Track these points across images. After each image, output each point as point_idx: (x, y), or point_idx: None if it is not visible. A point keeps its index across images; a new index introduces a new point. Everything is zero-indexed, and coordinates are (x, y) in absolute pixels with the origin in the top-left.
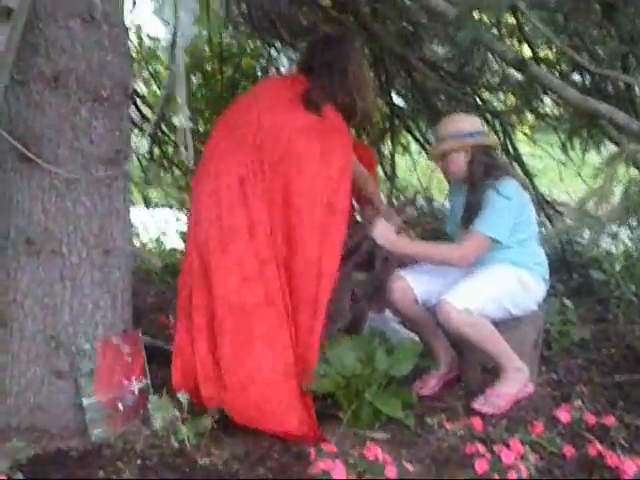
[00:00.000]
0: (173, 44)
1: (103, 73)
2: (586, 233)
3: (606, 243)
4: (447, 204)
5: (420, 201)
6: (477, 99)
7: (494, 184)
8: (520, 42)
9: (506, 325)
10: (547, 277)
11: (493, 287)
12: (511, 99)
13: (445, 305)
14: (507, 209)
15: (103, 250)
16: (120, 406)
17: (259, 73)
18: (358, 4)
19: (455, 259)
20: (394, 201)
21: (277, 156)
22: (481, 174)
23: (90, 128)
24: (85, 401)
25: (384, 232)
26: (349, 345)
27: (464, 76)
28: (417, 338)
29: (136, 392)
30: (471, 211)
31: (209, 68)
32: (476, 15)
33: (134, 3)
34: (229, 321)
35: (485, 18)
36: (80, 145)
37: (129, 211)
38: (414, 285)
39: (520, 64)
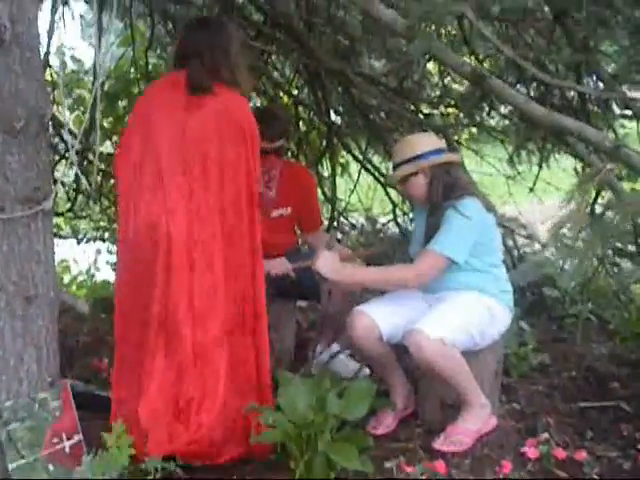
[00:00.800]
0: (94, 67)
1: (15, 102)
2: (563, 263)
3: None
4: (391, 225)
5: (362, 222)
6: (419, 114)
7: (453, 203)
8: (465, 54)
9: (466, 356)
10: (512, 305)
11: (463, 316)
12: (453, 113)
13: (417, 334)
14: (466, 228)
15: (24, 298)
16: (50, 467)
17: None
18: (291, 19)
19: (410, 279)
20: (335, 223)
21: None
22: (440, 195)
23: (3, 164)
24: (11, 466)
25: (328, 263)
26: (299, 389)
27: (404, 91)
28: (367, 370)
29: (67, 450)
30: (431, 233)
31: (136, 91)
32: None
33: (57, 25)
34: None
35: (432, 29)
36: None
37: (53, 252)
38: (379, 321)
39: (478, 77)
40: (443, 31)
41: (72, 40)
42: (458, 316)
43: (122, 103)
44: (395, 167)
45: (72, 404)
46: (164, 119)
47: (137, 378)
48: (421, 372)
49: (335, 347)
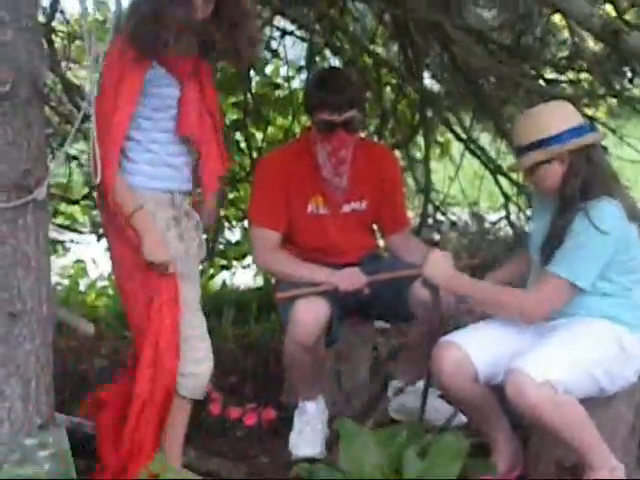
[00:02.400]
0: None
1: (0, 59)
2: None
3: None
4: (503, 224)
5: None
6: (539, 81)
7: (587, 210)
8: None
9: (592, 404)
10: None
11: (583, 352)
12: (586, 79)
13: (518, 376)
14: (599, 246)
15: (6, 314)
16: None
17: None
18: None
19: (527, 311)
20: (430, 220)
21: None
22: (577, 191)
23: None
24: None
25: (441, 266)
26: (367, 443)
27: (521, 50)
28: (463, 416)
29: None
30: (554, 239)
31: None
32: None
33: None
34: None
35: None
36: None
37: (48, 257)
38: (475, 356)
39: (611, 33)
40: None
41: None
42: (577, 351)
43: None
44: (520, 151)
45: (67, 452)
46: None
47: None
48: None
49: (421, 384)
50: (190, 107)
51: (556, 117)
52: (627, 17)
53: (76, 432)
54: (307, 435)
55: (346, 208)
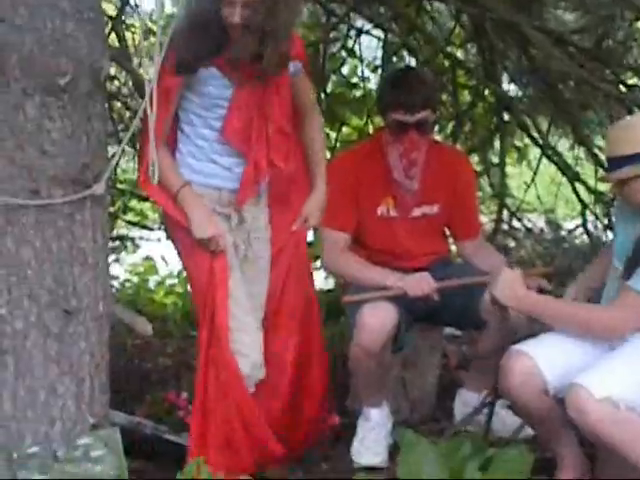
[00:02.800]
0: None
1: (59, 50)
2: None
3: None
4: (579, 232)
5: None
6: (620, 86)
7: None
8: None
9: None
10: None
11: None
12: None
13: (578, 392)
14: None
15: (61, 311)
16: None
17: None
18: None
19: (603, 328)
20: (505, 226)
21: None
22: None
23: (39, 133)
24: None
25: (509, 286)
26: (427, 455)
27: (602, 54)
28: (530, 429)
29: None
30: (638, 255)
31: None
32: None
33: None
34: None
35: None
36: (26, 158)
37: (105, 254)
38: (545, 367)
39: None
40: None
41: None
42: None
43: None
44: (611, 162)
45: (121, 456)
46: None
47: None
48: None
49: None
50: (238, 112)
51: None
52: None
53: (134, 432)
54: (370, 443)
55: (417, 212)
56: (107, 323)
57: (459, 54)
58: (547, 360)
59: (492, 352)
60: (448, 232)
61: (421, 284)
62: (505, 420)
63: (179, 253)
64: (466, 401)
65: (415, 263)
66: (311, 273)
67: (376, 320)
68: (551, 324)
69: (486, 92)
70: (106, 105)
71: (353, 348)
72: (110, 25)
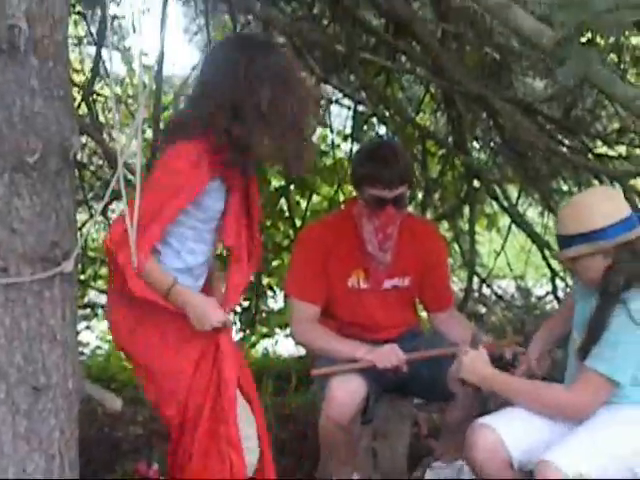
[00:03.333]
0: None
1: (28, 128)
2: None
3: None
4: (549, 299)
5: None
6: (589, 155)
7: (626, 303)
8: None
9: None
10: None
11: (617, 442)
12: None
13: (547, 469)
14: (638, 341)
15: (30, 388)
16: None
17: None
18: (421, 25)
19: (566, 409)
20: (475, 293)
21: None
22: (619, 288)
23: (9, 211)
24: None
25: (475, 367)
26: None
27: (571, 122)
28: None
29: None
30: (597, 329)
31: None
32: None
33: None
34: None
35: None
36: None
37: (74, 331)
38: (509, 442)
39: None
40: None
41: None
42: (611, 442)
43: None
44: (561, 241)
45: None
46: None
47: None
48: None
49: (461, 464)
50: (234, 218)
51: (602, 209)
52: None
53: None
54: None
55: (387, 284)
56: (77, 399)
57: (428, 123)
58: (511, 434)
59: (461, 423)
60: (420, 303)
61: (390, 356)
62: None
63: (139, 354)
64: (437, 472)
65: (385, 335)
66: None
67: (345, 393)
68: (517, 403)
69: (455, 161)
70: (76, 175)
71: (322, 421)
72: (80, 95)
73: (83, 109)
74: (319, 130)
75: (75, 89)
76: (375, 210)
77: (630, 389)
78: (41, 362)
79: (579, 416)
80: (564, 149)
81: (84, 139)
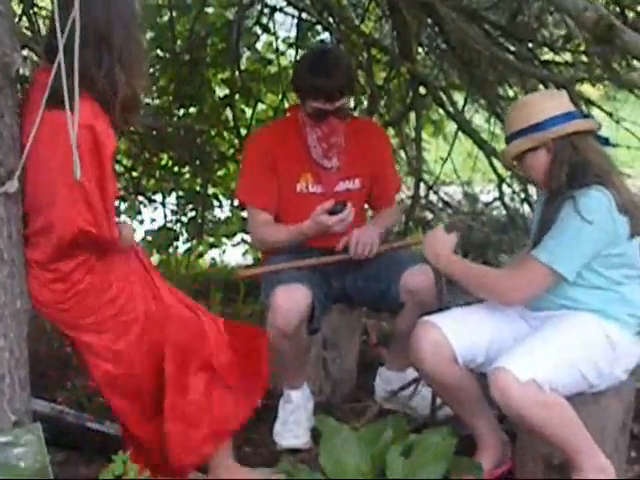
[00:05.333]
0: None
1: None
2: None
3: None
4: (497, 205)
5: (459, 197)
6: (535, 61)
7: (575, 195)
8: None
9: (581, 400)
10: None
11: (569, 348)
12: (581, 60)
13: (502, 375)
14: (584, 236)
15: None
16: None
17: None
18: None
19: (502, 294)
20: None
21: None
22: (563, 179)
23: None
24: None
25: (434, 245)
26: (348, 443)
27: (516, 29)
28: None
29: None
30: (546, 226)
31: (164, 20)
32: None
33: None
34: None
35: None
36: None
37: (21, 251)
38: (452, 337)
39: (606, 30)
40: None
41: None
42: (563, 347)
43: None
44: (508, 140)
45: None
46: None
47: None
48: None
49: (411, 373)
50: None
51: (543, 105)
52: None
53: (58, 420)
54: (291, 425)
55: (340, 187)
56: (25, 319)
57: (374, 31)
58: (454, 330)
59: (411, 329)
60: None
61: (371, 241)
62: (426, 398)
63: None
64: (387, 379)
65: (335, 240)
66: None
67: (289, 301)
68: (462, 285)
69: (401, 68)
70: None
71: (269, 330)
72: (20, 8)
73: (24, 22)
74: (264, 37)
75: (15, 2)
76: (317, 121)
77: (583, 294)
78: None
79: (511, 296)
80: (510, 56)
81: (26, 53)
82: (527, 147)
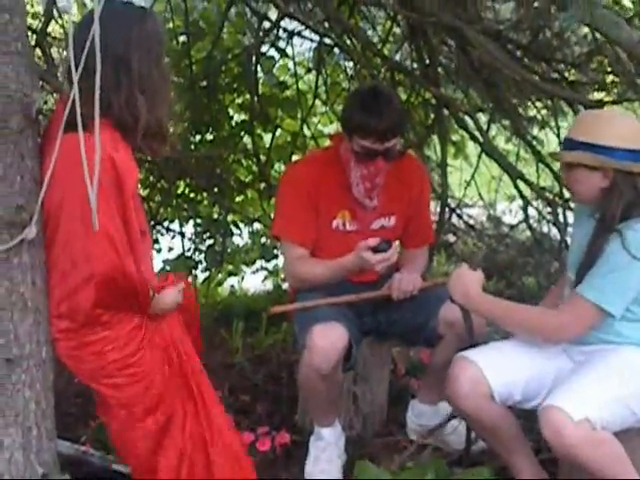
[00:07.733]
0: None
1: None
2: None
3: None
4: (522, 227)
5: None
6: (562, 82)
7: (622, 233)
8: None
9: (626, 434)
10: None
11: (620, 385)
12: (609, 80)
13: (555, 414)
14: (632, 272)
15: (3, 361)
16: None
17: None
18: None
19: (549, 331)
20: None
21: None
22: (617, 214)
23: None
24: None
25: (464, 284)
26: None
27: (539, 48)
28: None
29: None
30: (588, 261)
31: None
32: None
33: None
34: None
35: None
36: None
37: (45, 298)
38: (489, 374)
39: None
40: None
41: None
42: (614, 385)
43: None
44: (568, 143)
45: None
46: None
47: None
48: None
49: (444, 407)
50: None
51: (621, 131)
52: None
53: (82, 463)
54: (323, 464)
55: (375, 225)
56: (51, 368)
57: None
58: (492, 367)
59: (447, 365)
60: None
61: (410, 283)
62: (461, 433)
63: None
64: (419, 413)
65: (370, 277)
66: None
67: (327, 341)
68: (500, 324)
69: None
70: (39, 139)
71: (303, 369)
72: (34, 40)
73: (37, 53)
74: (280, 61)
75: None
76: (364, 160)
77: (629, 328)
78: (13, 332)
79: (558, 336)
80: (536, 77)
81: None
82: (587, 163)
